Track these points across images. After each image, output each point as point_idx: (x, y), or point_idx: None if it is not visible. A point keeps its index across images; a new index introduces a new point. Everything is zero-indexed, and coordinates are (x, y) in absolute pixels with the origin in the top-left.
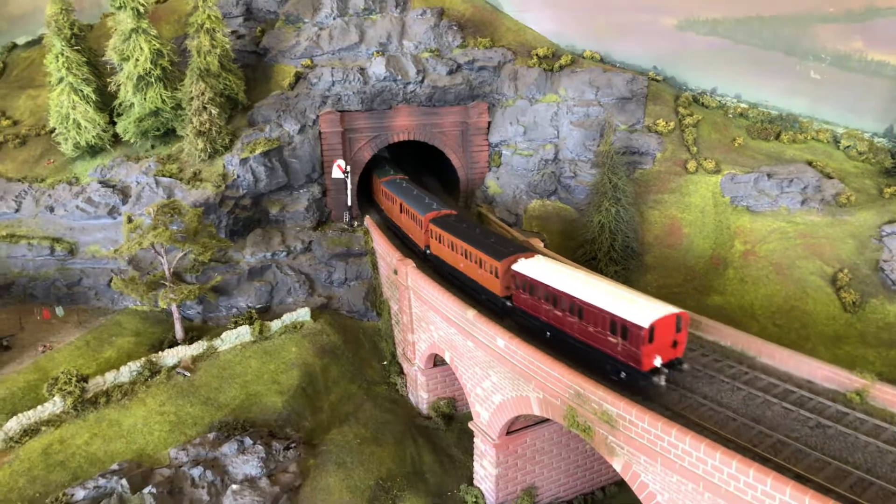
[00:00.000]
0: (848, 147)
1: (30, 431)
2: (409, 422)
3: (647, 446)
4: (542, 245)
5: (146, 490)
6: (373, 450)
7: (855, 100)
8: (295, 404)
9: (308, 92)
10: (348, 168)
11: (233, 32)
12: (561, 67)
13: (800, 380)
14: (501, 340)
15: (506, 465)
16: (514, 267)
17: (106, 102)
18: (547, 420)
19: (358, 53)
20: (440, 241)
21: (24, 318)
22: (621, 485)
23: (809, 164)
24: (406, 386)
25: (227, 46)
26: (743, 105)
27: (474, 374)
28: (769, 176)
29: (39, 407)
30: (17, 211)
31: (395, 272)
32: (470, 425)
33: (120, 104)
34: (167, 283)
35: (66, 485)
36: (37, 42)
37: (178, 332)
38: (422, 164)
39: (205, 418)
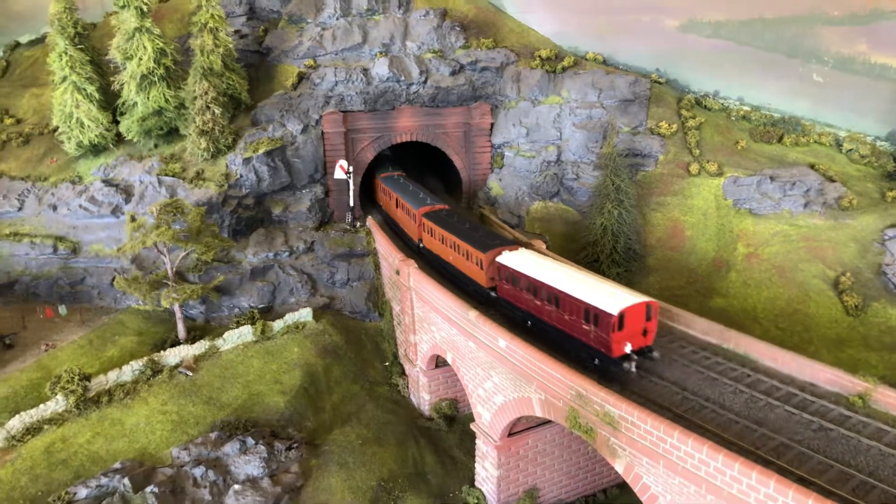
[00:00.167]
0: (850, 150)
1: (32, 430)
2: (411, 423)
3: (649, 448)
4: (544, 247)
5: (148, 489)
6: (375, 450)
7: (858, 103)
8: (297, 404)
9: (311, 92)
10: (351, 168)
11: (236, 32)
12: (564, 69)
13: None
14: (503, 341)
15: (507, 466)
16: (499, 259)
17: (109, 101)
18: (549, 422)
19: (361, 54)
20: (432, 235)
21: (27, 317)
22: (623, 487)
23: (812, 167)
24: (408, 387)
25: (231, 46)
26: (746, 108)
27: (476, 375)
28: (772, 179)
29: (42, 405)
30: (20, 209)
31: (398, 273)
32: (472, 426)
33: (123, 103)
34: (170, 283)
35: (68, 483)
36: (40, 41)
37: (181, 331)
38: (425, 165)
39: (207, 418)
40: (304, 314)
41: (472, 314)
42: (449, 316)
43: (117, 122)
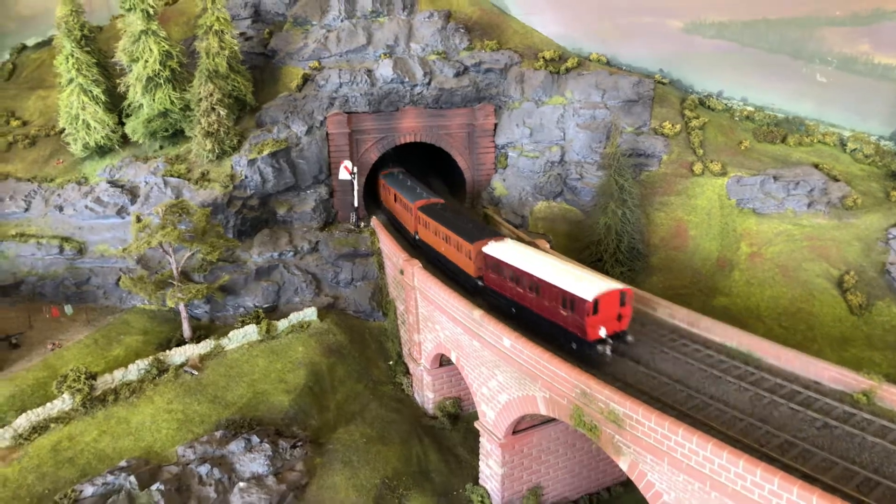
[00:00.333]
0: (854, 150)
1: (39, 428)
2: (415, 421)
3: (653, 445)
4: (548, 246)
5: (154, 487)
6: (379, 449)
7: (861, 103)
8: (302, 403)
9: (316, 94)
10: (355, 169)
11: (241, 34)
12: (567, 70)
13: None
14: (508, 340)
15: (511, 464)
16: (485, 249)
17: (115, 103)
18: (553, 420)
19: (365, 55)
20: (427, 227)
21: (33, 317)
22: (627, 485)
23: (816, 166)
24: (412, 385)
25: (236, 48)
26: (749, 108)
27: (480, 374)
28: (775, 178)
29: (48, 404)
30: (26, 210)
31: (402, 272)
32: (476, 425)
33: (129, 105)
34: (175, 283)
35: (74, 481)
36: (47, 43)
37: (186, 330)
38: (429, 166)
39: (212, 416)
40: (309, 314)
41: (477, 313)
42: (453, 315)
43: (123, 124)
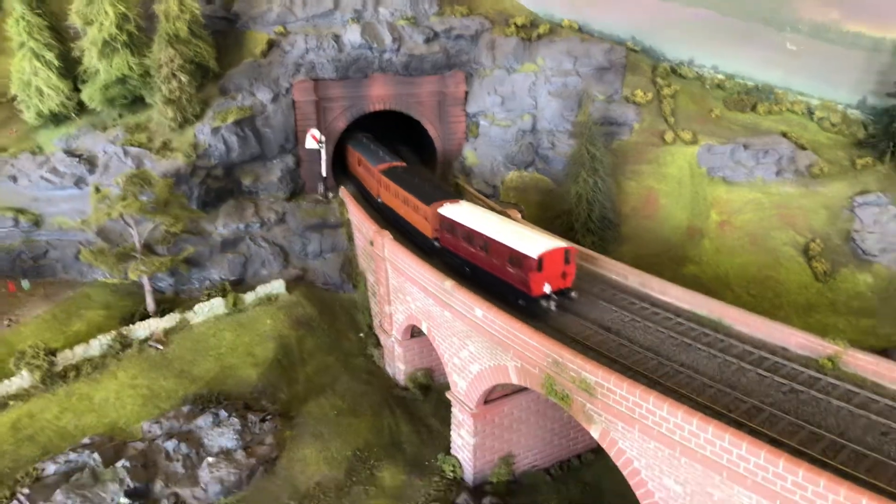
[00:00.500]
0: (822, 119)
1: None
2: (387, 393)
3: (624, 413)
4: (519, 216)
5: (119, 464)
6: (350, 421)
7: (830, 71)
8: (270, 376)
9: (281, 60)
10: (323, 138)
11: None
12: (539, 37)
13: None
14: (479, 310)
15: (483, 433)
16: (440, 210)
17: (70, 69)
18: (525, 389)
19: (332, 20)
20: (388, 190)
21: None
22: (598, 452)
23: (784, 135)
24: (383, 357)
25: (197, 12)
26: (720, 76)
27: (452, 345)
28: (745, 147)
29: (6, 381)
30: None
31: (372, 244)
32: (447, 395)
33: (85, 71)
34: (137, 255)
35: (36, 459)
36: None
37: (150, 304)
38: (400, 136)
39: (178, 391)
40: (277, 286)
41: (448, 284)
42: (424, 286)
43: (79, 91)
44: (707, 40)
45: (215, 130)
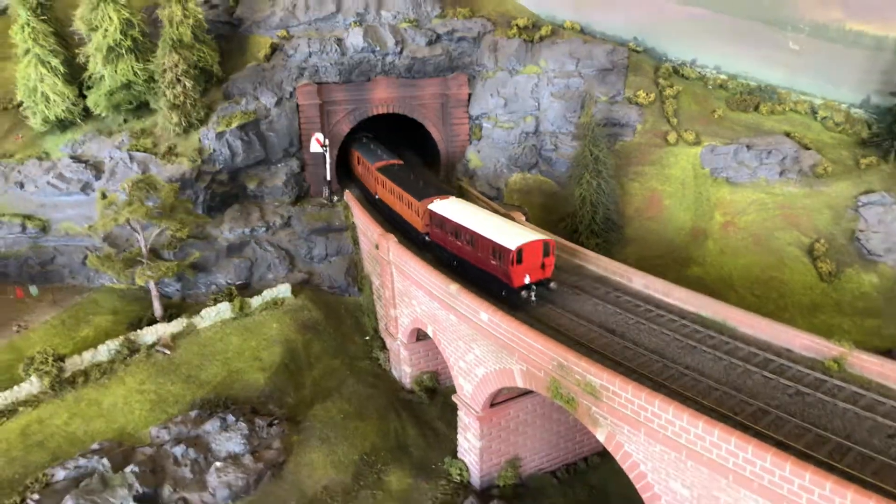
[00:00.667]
0: (825, 118)
1: (6, 412)
2: (393, 396)
3: (630, 416)
4: (523, 218)
5: (128, 469)
6: (356, 425)
7: (832, 70)
8: (277, 380)
9: (284, 64)
10: (327, 141)
11: (206, 2)
12: (541, 38)
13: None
14: (485, 314)
15: (489, 437)
16: (430, 206)
17: (75, 75)
18: (530, 392)
19: (335, 24)
20: (384, 187)
21: None
22: (604, 455)
23: (787, 135)
24: (389, 360)
25: (200, 16)
26: (722, 76)
27: (457, 348)
28: (748, 147)
29: (15, 387)
30: None
31: (377, 247)
32: (453, 398)
33: (90, 76)
34: (144, 260)
35: (45, 465)
36: (2, 12)
37: (157, 309)
38: (403, 138)
39: (186, 396)
40: (283, 290)
41: (453, 287)
42: (430, 289)
43: (84, 97)
44: (709, 40)
45: (220, 135)
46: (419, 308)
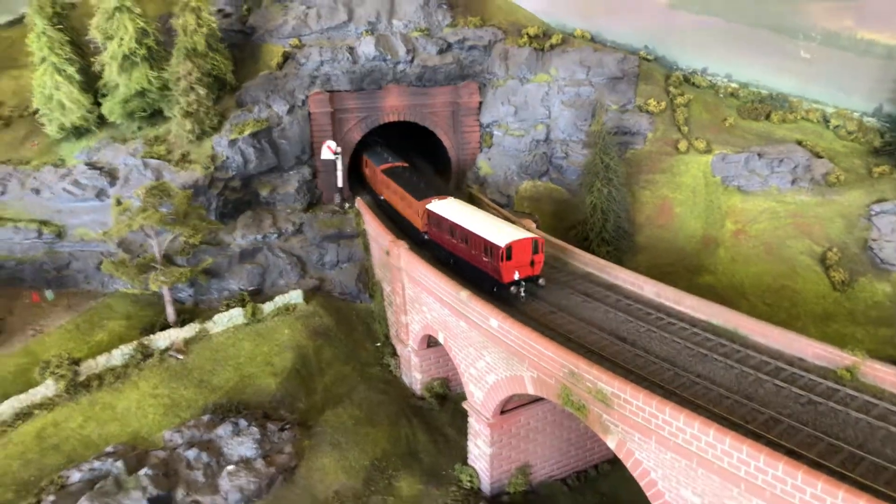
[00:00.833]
0: (837, 126)
1: (22, 415)
2: (403, 402)
3: (641, 424)
4: (534, 226)
5: (142, 472)
6: (367, 430)
7: (844, 79)
8: (289, 386)
9: (296, 72)
10: (339, 149)
11: (219, 11)
12: (552, 47)
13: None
14: (495, 321)
15: (500, 444)
16: (429, 206)
17: (90, 83)
18: (541, 399)
19: (347, 32)
20: (388, 188)
21: (13, 302)
22: (614, 462)
23: (799, 143)
24: (399, 367)
25: (214, 25)
26: (734, 85)
27: (468, 355)
28: (760, 156)
29: (31, 391)
30: (2, 194)
31: (388, 253)
32: (464, 405)
33: (105, 84)
34: (157, 266)
35: (60, 468)
36: (18, 21)
37: (170, 314)
38: (414, 146)
39: (198, 401)
40: (295, 296)
41: (464, 294)
42: (440, 296)
43: (99, 104)
44: (720, 49)
45: (232, 142)
46: (430, 315)
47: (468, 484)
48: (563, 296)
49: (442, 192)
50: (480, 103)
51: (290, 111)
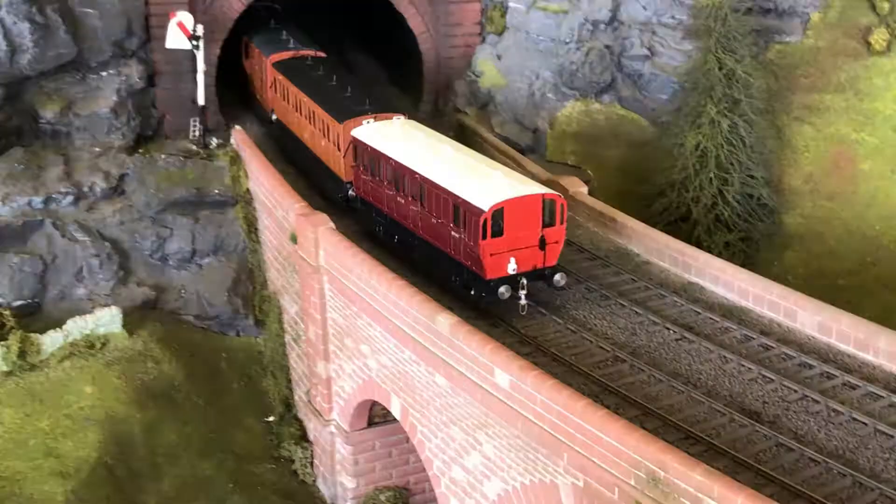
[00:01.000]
0: None
1: None
2: None
3: None
4: (583, 189)
5: None
6: None
7: None
8: (91, 498)
9: None
10: (199, 30)
11: None
12: None
13: None
14: (505, 375)
15: None
16: (355, 132)
17: None
18: None
19: None
20: (285, 99)
21: None
22: None
23: None
24: (312, 464)
25: None
26: None
27: (450, 440)
28: None
29: None
30: None
31: (295, 240)
32: None
33: None
34: None
35: None
36: None
37: None
38: (351, 33)
39: None
40: (106, 319)
41: (445, 320)
42: (397, 325)
43: None
44: None
45: None
46: (375, 361)
47: None
48: (607, 312)
49: (386, 107)
50: None
51: None
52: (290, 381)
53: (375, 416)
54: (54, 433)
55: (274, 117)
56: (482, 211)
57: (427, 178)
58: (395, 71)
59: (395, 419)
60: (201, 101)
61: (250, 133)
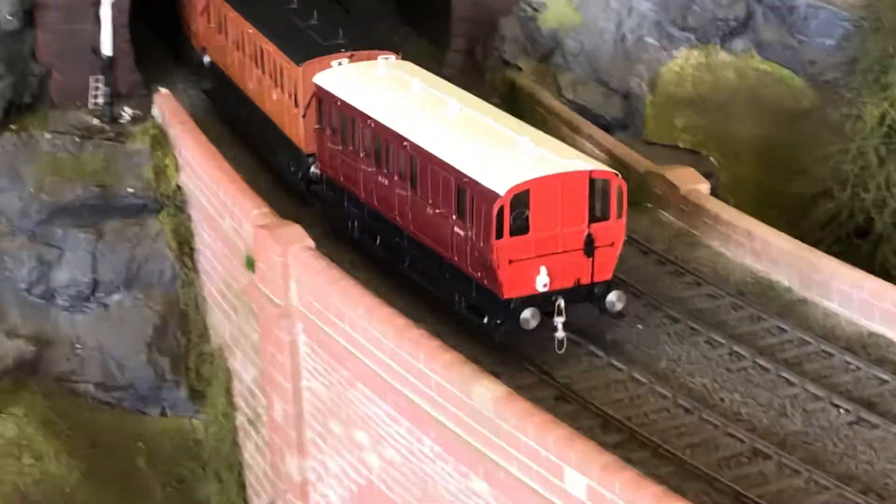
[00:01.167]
0: None
1: None
2: None
3: None
4: (704, 188)
5: None
6: None
7: None
8: None
9: None
10: None
11: None
12: None
13: None
14: (579, 476)
15: None
16: (318, 79)
17: None
18: None
19: None
20: (221, 31)
21: None
22: None
23: None
24: None
25: None
26: None
27: None
28: None
29: None
30: None
31: (252, 265)
32: None
33: None
34: None
35: None
36: None
37: None
38: None
39: None
40: None
41: (486, 392)
42: (411, 398)
43: None
44: None
45: None
46: (378, 457)
47: None
48: (741, 379)
49: (368, 43)
50: None
51: None
52: (243, 486)
53: None
54: None
55: (206, 59)
56: (497, 195)
57: (420, 148)
58: (418, 14)
59: None
60: (107, 49)
61: (184, 100)
